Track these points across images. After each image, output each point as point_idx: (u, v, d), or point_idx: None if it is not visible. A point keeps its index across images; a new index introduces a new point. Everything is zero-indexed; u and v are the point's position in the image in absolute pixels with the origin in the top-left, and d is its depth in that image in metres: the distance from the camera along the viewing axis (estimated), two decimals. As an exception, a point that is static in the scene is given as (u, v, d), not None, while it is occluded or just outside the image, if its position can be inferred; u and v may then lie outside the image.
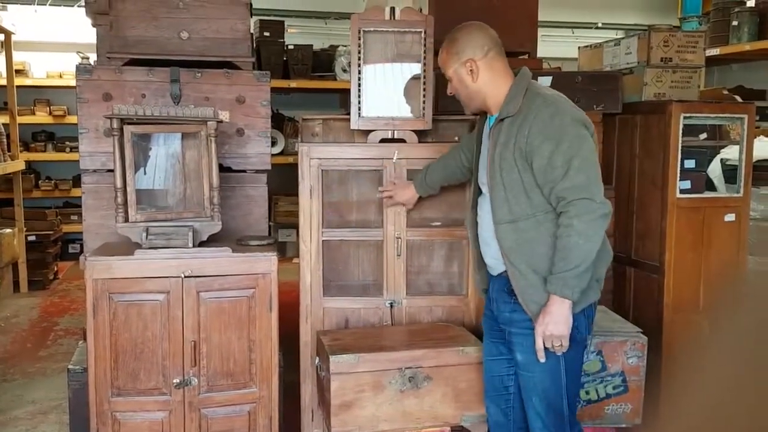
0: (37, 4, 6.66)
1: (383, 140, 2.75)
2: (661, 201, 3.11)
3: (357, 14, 2.70)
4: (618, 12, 8.13)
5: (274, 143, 6.21)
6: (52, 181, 6.85)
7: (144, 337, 2.40)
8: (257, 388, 2.50)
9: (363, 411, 2.38)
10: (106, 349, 2.38)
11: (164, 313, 2.40)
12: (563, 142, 2.04)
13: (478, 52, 2.19)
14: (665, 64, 3.22)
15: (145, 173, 2.53)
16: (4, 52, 5.67)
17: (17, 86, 5.99)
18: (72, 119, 6.50)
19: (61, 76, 6.64)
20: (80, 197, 2.80)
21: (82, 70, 2.72)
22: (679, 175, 3.08)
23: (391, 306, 2.77)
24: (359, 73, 2.70)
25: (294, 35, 6.86)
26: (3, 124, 5.69)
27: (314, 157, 2.69)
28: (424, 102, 2.72)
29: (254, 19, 6.06)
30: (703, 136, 3.34)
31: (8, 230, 5.61)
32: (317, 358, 2.63)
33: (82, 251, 2.79)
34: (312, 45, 6.57)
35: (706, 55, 3.81)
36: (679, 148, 3.06)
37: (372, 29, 2.69)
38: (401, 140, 2.75)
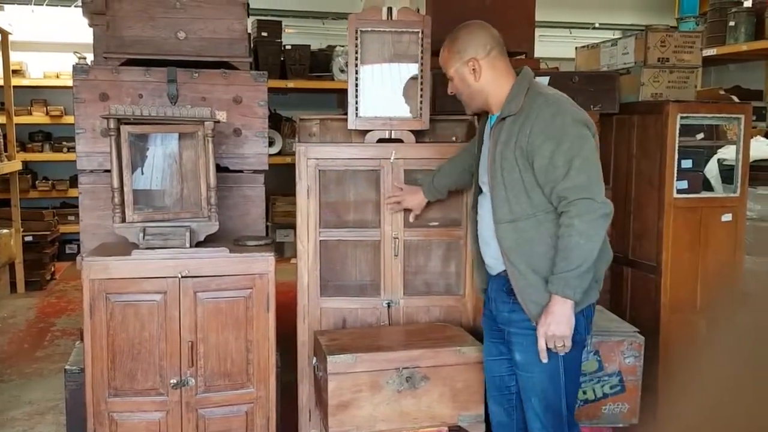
0: (34, 4, 6.65)
1: (380, 140, 2.75)
2: (658, 201, 3.12)
3: (354, 14, 2.70)
4: (615, 12, 8.14)
5: (271, 143, 6.21)
6: (49, 182, 6.84)
7: (141, 337, 2.40)
8: (254, 389, 2.50)
9: (360, 411, 2.38)
10: (103, 350, 2.38)
11: (161, 313, 2.40)
12: (564, 142, 2.04)
13: (481, 51, 2.19)
14: (662, 65, 3.22)
15: (142, 173, 2.53)
16: (0, 52, 5.65)
17: (14, 86, 5.98)
18: (69, 119, 6.49)
19: (58, 76, 6.64)
20: (77, 197, 2.80)
21: (79, 70, 2.72)
22: (676, 175, 3.08)
23: (389, 306, 2.77)
24: (356, 73, 2.70)
25: (291, 35, 6.86)
26: (0, 125, 5.68)
27: (311, 157, 2.69)
28: (421, 102, 2.72)
29: (251, 19, 6.06)
30: (700, 136, 3.34)
31: (5, 231, 5.60)
32: (314, 358, 2.63)
33: (79, 252, 2.79)
34: (309, 45, 6.57)
35: (703, 55, 3.82)
36: (676, 148, 3.07)
37: (369, 29, 2.69)
38: (399, 140, 2.75)
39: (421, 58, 2.70)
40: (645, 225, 3.21)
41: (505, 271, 2.20)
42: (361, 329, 2.75)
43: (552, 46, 6.94)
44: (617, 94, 3.20)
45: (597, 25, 8.05)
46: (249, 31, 2.95)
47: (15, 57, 6.27)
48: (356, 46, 2.68)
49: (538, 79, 2.28)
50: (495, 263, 2.26)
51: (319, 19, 7.26)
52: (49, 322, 4.99)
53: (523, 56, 3.43)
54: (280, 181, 5.06)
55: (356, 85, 2.70)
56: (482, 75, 2.20)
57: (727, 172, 3.32)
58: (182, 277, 2.39)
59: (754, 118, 4.21)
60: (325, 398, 2.39)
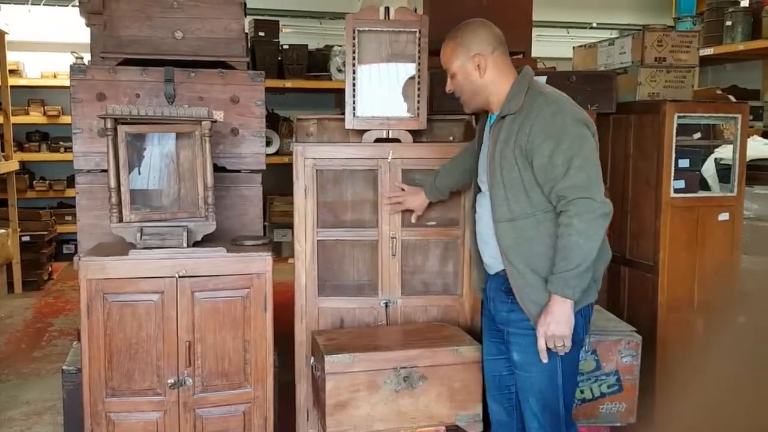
0: (31, 4, 6.64)
1: (378, 140, 2.75)
2: (655, 200, 3.12)
3: (351, 14, 2.70)
4: (613, 12, 8.16)
5: (269, 143, 6.21)
6: (47, 182, 6.83)
7: (138, 337, 2.39)
8: (252, 388, 2.50)
9: (358, 411, 2.38)
10: (100, 350, 2.37)
11: (159, 313, 2.39)
12: (564, 141, 2.04)
13: (486, 47, 2.19)
14: (659, 64, 3.23)
15: (139, 173, 2.53)
16: (-3, 52, 5.65)
17: (11, 86, 5.98)
18: (66, 119, 6.49)
19: (55, 76, 6.63)
20: (74, 197, 2.79)
21: (76, 69, 2.71)
22: (673, 174, 3.09)
23: (386, 306, 2.77)
24: (354, 72, 2.70)
25: (289, 35, 6.86)
26: (-3, 125, 5.68)
27: (309, 157, 2.69)
28: (418, 102, 2.72)
29: (249, 18, 6.06)
30: (697, 135, 3.35)
31: (2, 231, 5.59)
32: (312, 357, 2.63)
33: (76, 252, 2.78)
34: (307, 45, 6.57)
35: (700, 54, 3.82)
36: (673, 147, 3.07)
37: (366, 29, 2.69)
38: (396, 140, 2.75)
39: (419, 57, 2.70)
40: (642, 224, 3.21)
41: (503, 270, 2.20)
42: (358, 329, 2.75)
43: (549, 45, 6.94)
44: (614, 94, 3.21)
45: (594, 25, 8.06)
46: (246, 30, 2.96)
47: (12, 57, 6.26)
48: (353, 46, 2.68)
49: (536, 78, 2.28)
50: (494, 262, 2.26)
51: (316, 18, 7.26)
52: (47, 322, 4.98)
53: (520, 56, 3.43)
54: (278, 180, 5.06)
55: (354, 85, 2.70)
56: (486, 72, 2.19)
57: (724, 172, 3.32)
58: (179, 276, 2.39)
59: (750, 117, 4.22)
60: (323, 398, 2.39)
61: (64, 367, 2.64)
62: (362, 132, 2.75)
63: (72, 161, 2.74)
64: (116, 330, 2.38)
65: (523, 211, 2.11)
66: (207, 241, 2.49)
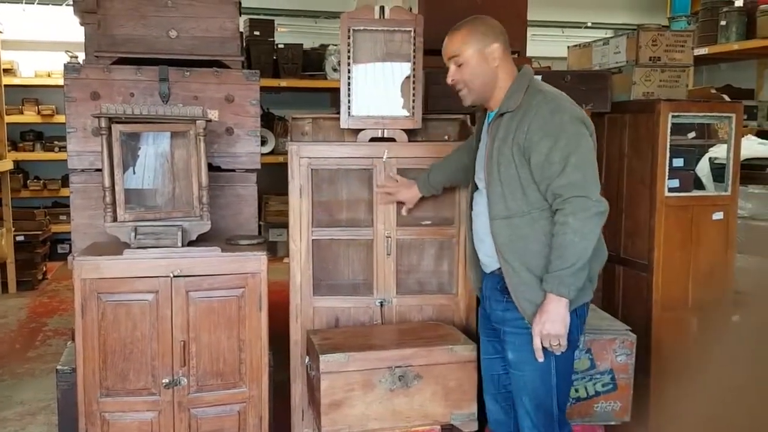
0: (26, 3, 6.62)
1: (373, 139, 2.75)
2: (649, 199, 3.13)
3: (346, 13, 2.70)
4: (607, 11, 8.17)
5: (264, 142, 6.20)
6: (41, 181, 6.81)
7: (133, 337, 2.39)
8: (247, 388, 2.50)
9: (353, 410, 2.38)
10: (94, 350, 2.37)
11: (153, 312, 2.39)
12: (561, 139, 2.04)
13: (501, 40, 2.19)
14: (654, 64, 3.23)
15: (134, 173, 2.52)
16: (-9, 51, 5.64)
17: (5, 85, 5.96)
18: (60, 119, 6.46)
19: (49, 75, 6.60)
20: (69, 197, 2.79)
21: (70, 68, 2.71)
22: (667, 173, 3.09)
23: (381, 305, 2.77)
24: (349, 72, 2.70)
25: (284, 34, 6.85)
26: (-9, 124, 5.66)
27: (304, 156, 2.69)
28: (413, 101, 2.72)
29: (244, 18, 6.05)
30: (692, 135, 3.36)
31: (-4, 230, 5.58)
32: (307, 357, 2.63)
33: (71, 251, 2.78)
34: (302, 44, 6.57)
35: (695, 54, 3.83)
36: (668, 146, 3.08)
37: (361, 28, 2.69)
38: (391, 139, 2.75)
39: (414, 57, 2.70)
40: (637, 223, 3.22)
41: (499, 269, 2.20)
42: (353, 328, 2.75)
43: (544, 45, 6.95)
44: (609, 93, 3.21)
45: (589, 25, 8.07)
46: (241, 30, 2.95)
47: (6, 56, 6.24)
48: (348, 45, 2.68)
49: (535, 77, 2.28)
50: (490, 261, 2.26)
51: (311, 18, 7.26)
52: (41, 322, 4.97)
53: (515, 55, 3.42)
54: (273, 180, 5.06)
55: (349, 84, 2.70)
56: (499, 64, 2.19)
57: (718, 171, 3.33)
58: (174, 276, 2.38)
59: (745, 117, 4.24)
60: (318, 397, 2.39)
61: (59, 367, 2.63)
62: (357, 131, 2.75)
63: (66, 160, 2.73)
64: (111, 330, 2.37)
65: (520, 208, 2.12)
66: (202, 240, 2.49)
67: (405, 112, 2.74)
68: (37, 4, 6.63)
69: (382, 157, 2.71)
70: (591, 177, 2.06)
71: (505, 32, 2.23)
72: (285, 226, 2.77)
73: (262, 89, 2.87)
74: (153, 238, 2.41)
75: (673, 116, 3.08)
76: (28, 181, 6.81)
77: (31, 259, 6.00)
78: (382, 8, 2.70)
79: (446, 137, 2.96)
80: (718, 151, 3.39)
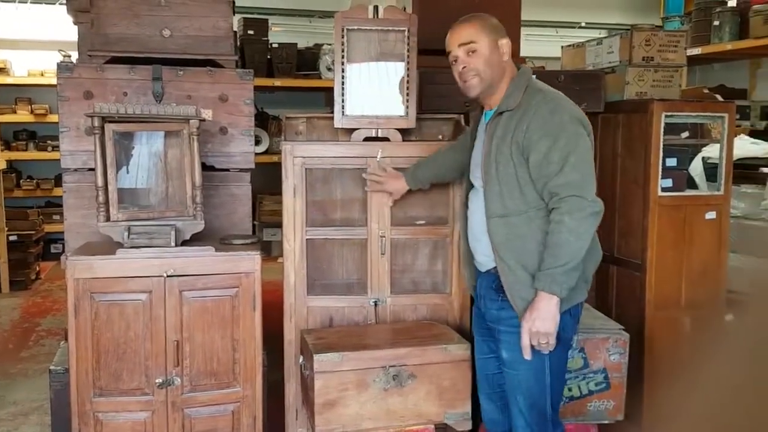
0: (18, 2, 6.60)
1: (367, 139, 2.75)
2: (643, 199, 3.13)
3: (340, 12, 2.70)
4: (601, 11, 8.19)
5: (258, 142, 6.19)
6: (34, 181, 6.79)
7: (126, 337, 2.38)
8: (241, 388, 2.49)
9: (347, 409, 2.38)
10: (87, 350, 2.36)
11: (146, 312, 2.38)
12: (561, 139, 2.05)
13: (508, 38, 2.22)
14: (647, 63, 3.24)
15: (127, 172, 2.52)
16: (-16, 50, 5.61)
17: (-2, 84, 5.94)
18: (54, 118, 6.41)
19: (42, 75, 6.58)
20: (62, 196, 2.78)
21: (63, 68, 2.70)
22: (660, 173, 3.10)
23: (376, 304, 2.77)
24: (343, 71, 2.69)
25: (278, 33, 6.84)
26: (-17, 123, 5.64)
27: (298, 156, 2.69)
28: (407, 100, 2.72)
29: (238, 17, 6.04)
30: (685, 134, 3.37)
31: (-11, 230, 5.55)
32: (301, 356, 2.63)
33: (64, 251, 2.77)
34: (296, 43, 6.56)
35: (688, 54, 3.84)
36: (661, 146, 3.09)
37: (355, 28, 2.69)
38: (385, 139, 2.75)
39: (408, 56, 2.70)
40: (630, 223, 3.23)
41: (494, 268, 2.20)
42: (347, 328, 2.75)
43: (538, 45, 6.97)
44: (602, 93, 3.22)
45: (583, 25, 8.09)
46: (235, 29, 2.95)
47: (-1, 55, 6.22)
48: (342, 45, 2.68)
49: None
50: (485, 260, 2.26)
51: (306, 17, 7.25)
52: (34, 322, 4.95)
53: (509, 55, 3.43)
54: (267, 179, 5.05)
55: (343, 84, 2.70)
56: (507, 58, 2.21)
57: (711, 171, 3.35)
58: (168, 276, 2.38)
59: (738, 116, 4.25)
60: (312, 397, 2.39)
61: (52, 367, 2.62)
62: (351, 131, 2.75)
63: (59, 160, 2.72)
64: (104, 330, 2.36)
65: (517, 207, 2.12)
66: (195, 240, 2.48)
67: (399, 112, 2.74)
68: (30, 3, 6.61)
69: (376, 157, 2.71)
70: (588, 177, 2.07)
71: None
72: (279, 225, 2.76)
73: (256, 89, 2.87)
74: (146, 237, 2.40)
75: (666, 116, 3.09)
76: (21, 181, 6.79)
77: (24, 258, 5.98)
78: (376, 8, 2.70)
79: (440, 137, 2.96)
80: (711, 151, 3.40)
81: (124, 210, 2.42)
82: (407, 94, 2.72)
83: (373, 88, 2.74)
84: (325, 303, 2.77)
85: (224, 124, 2.79)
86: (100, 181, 2.37)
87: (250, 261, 2.46)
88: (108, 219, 2.39)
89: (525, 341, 2.09)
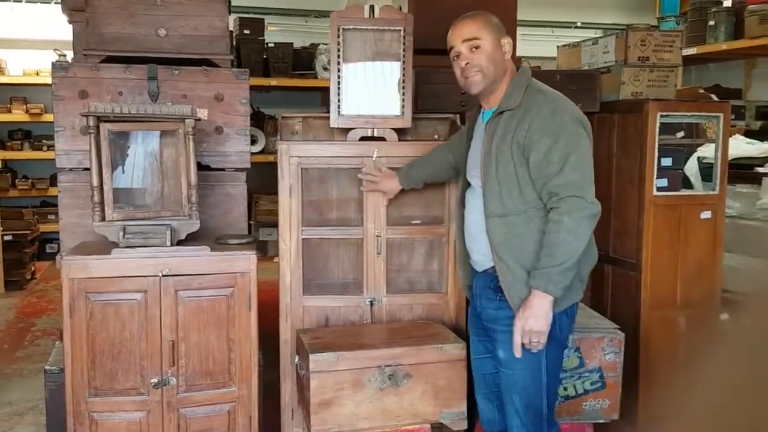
0: (14, 1, 6.58)
1: (363, 138, 2.75)
2: (638, 199, 3.14)
3: (336, 12, 2.70)
4: (597, 11, 8.20)
5: (254, 142, 6.19)
6: (29, 180, 6.77)
7: (121, 336, 2.38)
8: (236, 388, 2.49)
9: (343, 409, 2.38)
10: (83, 350, 2.36)
11: (142, 312, 2.38)
12: (562, 139, 2.05)
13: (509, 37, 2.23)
14: (642, 63, 3.25)
15: (122, 172, 2.51)
16: (-21, 49, 5.59)
17: (-7, 84, 5.92)
18: (49, 117, 6.39)
19: (38, 74, 6.57)
20: (57, 196, 2.77)
21: (58, 67, 2.69)
22: (656, 173, 3.11)
23: (371, 304, 2.77)
24: (339, 71, 2.69)
25: (274, 33, 6.84)
26: (-22, 122, 5.62)
27: (294, 156, 2.68)
28: (403, 100, 2.72)
29: (234, 16, 6.04)
30: (681, 134, 3.37)
31: (-16, 230, 5.54)
32: (297, 356, 2.63)
33: (59, 251, 2.76)
34: (292, 43, 6.56)
35: (684, 54, 3.85)
36: (656, 146, 3.09)
37: (351, 27, 2.69)
38: (381, 138, 2.75)
39: (404, 56, 2.70)
40: (625, 223, 3.23)
41: (492, 267, 2.20)
42: (343, 327, 2.75)
43: (534, 45, 6.96)
44: (598, 93, 3.22)
45: (579, 24, 8.10)
46: (231, 28, 2.95)
47: (-6, 54, 6.20)
48: (338, 44, 2.68)
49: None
50: (482, 259, 2.26)
51: (302, 16, 7.24)
52: (29, 322, 4.94)
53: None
54: (263, 179, 5.05)
55: (338, 83, 2.70)
56: (509, 57, 2.21)
57: (706, 170, 3.35)
58: (163, 275, 2.38)
59: (733, 116, 4.26)
60: (308, 396, 2.39)
61: (47, 367, 2.62)
62: (347, 130, 2.75)
63: (55, 159, 2.71)
64: (99, 329, 2.36)
65: (516, 207, 2.12)
66: (191, 239, 2.48)
67: (395, 112, 2.74)
68: (26, 2, 6.59)
69: (372, 157, 2.71)
70: (588, 178, 2.07)
71: None
72: (275, 225, 2.76)
73: (253, 88, 2.87)
74: (141, 237, 2.40)
75: (661, 116, 3.10)
76: (16, 181, 6.77)
77: (19, 258, 5.96)
78: (371, 7, 2.70)
79: (436, 136, 2.96)
80: (707, 151, 3.40)
81: (119, 210, 2.41)
82: (403, 94, 2.72)
83: (369, 88, 2.74)
84: (321, 303, 2.77)
85: (220, 124, 2.79)
86: (95, 181, 2.36)
87: (246, 261, 2.46)
88: (103, 219, 2.39)
89: (517, 339, 2.10)
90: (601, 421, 2.80)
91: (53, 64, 2.71)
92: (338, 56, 2.68)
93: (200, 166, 2.60)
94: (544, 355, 2.15)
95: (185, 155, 2.43)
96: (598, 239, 3.26)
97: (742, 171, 4.04)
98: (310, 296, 2.76)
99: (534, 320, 2.06)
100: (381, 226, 2.75)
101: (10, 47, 6.63)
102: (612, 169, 3.30)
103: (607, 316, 3.09)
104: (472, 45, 2.17)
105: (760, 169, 4.01)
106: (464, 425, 2.50)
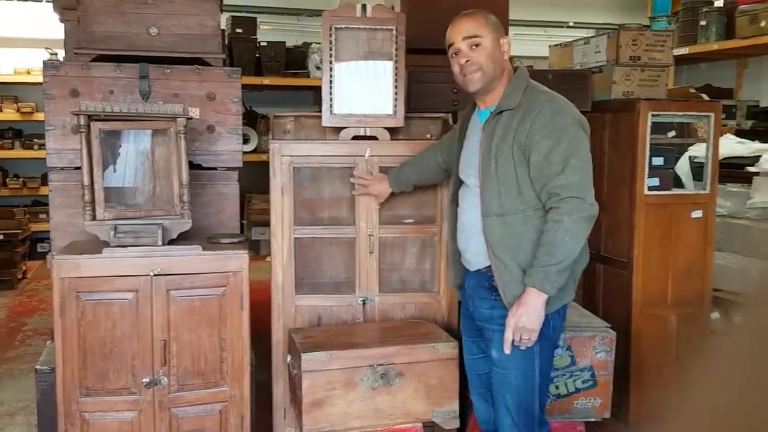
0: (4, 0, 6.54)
1: (355, 137, 2.75)
2: (629, 198, 3.15)
3: (328, 11, 2.69)
4: (589, 11, 8.22)
5: (246, 141, 6.17)
6: (21, 179, 6.74)
7: (113, 336, 2.37)
8: (228, 387, 2.49)
9: (335, 408, 2.38)
10: (74, 349, 2.35)
11: (133, 312, 2.37)
12: (563, 141, 2.06)
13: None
14: (634, 63, 3.26)
15: (114, 171, 2.50)
16: (-31, 48, 5.56)
17: (-16, 82, 5.89)
18: (40, 116, 6.38)
19: (29, 73, 6.53)
20: (48, 195, 2.76)
21: (48, 65, 2.68)
22: (647, 172, 3.12)
23: (364, 303, 2.77)
24: (331, 70, 2.69)
25: (266, 32, 6.82)
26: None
27: (286, 155, 2.68)
28: (396, 99, 2.72)
29: (226, 15, 6.02)
30: (672, 133, 3.39)
31: (-25, 229, 5.51)
32: (289, 356, 2.62)
33: (50, 250, 2.75)
34: (285, 42, 6.54)
35: (675, 54, 3.87)
36: (648, 145, 3.11)
37: (343, 26, 2.69)
38: (373, 137, 2.75)
39: (396, 55, 2.70)
40: (617, 222, 3.24)
41: (486, 267, 2.20)
42: (335, 326, 2.75)
43: (527, 44, 6.98)
44: (590, 93, 3.23)
45: (571, 24, 8.12)
46: (223, 27, 2.94)
47: (-16, 52, 6.17)
48: (330, 43, 2.67)
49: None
50: (477, 259, 2.25)
51: (294, 15, 7.23)
52: (21, 321, 4.91)
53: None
54: (256, 178, 5.04)
55: (331, 83, 2.69)
56: (507, 57, 2.21)
57: (698, 170, 3.37)
58: (154, 275, 2.37)
59: (724, 116, 4.28)
60: (300, 396, 2.39)
61: (38, 367, 2.60)
62: (339, 129, 2.75)
63: (46, 158, 2.70)
64: (90, 329, 2.35)
65: (514, 207, 2.12)
66: (183, 239, 2.47)
67: (387, 111, 2.74)
68: (17, 0, 6.56)
69: (365, 156, 2.71)
70: (587, 180, 2.08)
71: None
72: (268, 224, 2.76)
73: (245, 87, 2.86)
74: (133, 236, 2.39)
75: (652, 115, 3.11)
76: (7, 180, 6.73)
77: (10, 258, 5.93)
78: (364, 6, 2.69)
79: (428, 136, 2.96)
80: (698, 150, 3.42)
81: (110, 209, 2.40)
82: (395, 93, 2.72)
83: (361, 87, 2.74)
84: (313, 302, 2.77)
85: (212, 123, 2.78)
86: (86, 180, 2.35)
87: (238, 260, 2.45)
88: (94, 218, 2.38)
89: (508, 335, 2.10)
90: (593, 419, 2.81)
91: (44, 63, 2.70)
92: (330, 55, 2.68)
93: (192, 165, 2.60)
94: (538, 355, 2.15)
95: (177, 154, 2.42)
96: (590, 238, 3.27)
97: (732, 170, 4.06)
98: (302, 295, 2.76)
99: (527, 318, 2.06)
100: (373, 225, 2.76)
101: (1, 45, 6.59)
102: (603, 169, 3.31)
103: (598, 314, 3.10)
104: (473, 43, 2.17)
105: (751, 169, 4.03)
106: (456, 424, 2.51)
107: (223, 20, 3.25)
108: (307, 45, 6.64)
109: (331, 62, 2.69)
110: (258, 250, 6.21)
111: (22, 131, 6.84)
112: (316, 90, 5.54)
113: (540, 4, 7.66)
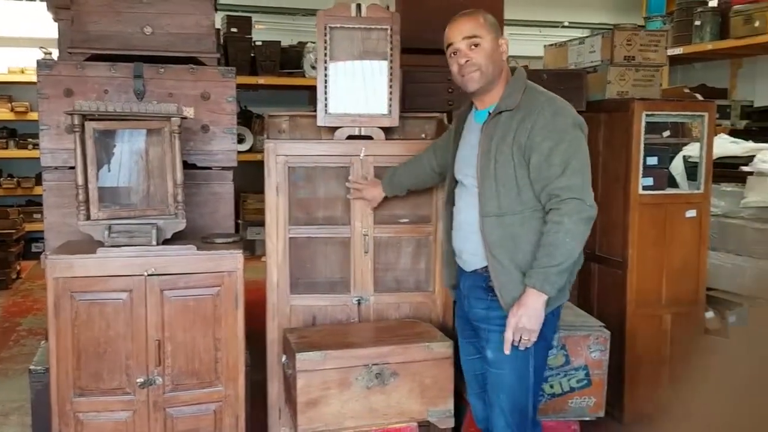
0: (-2, -2, 6.52)
1: (350, 137, 2.75)
2: (624, 197, 3.16)
3: (323, 11, 2.69)
4: (584, 11, 8.24)
5: (241, 140, 6.17)
6: (15, 179, 6.72)
7: (107, 336, 2.37)
8: (223, 387, 2.48)
9: (329, 408, 2.38)
10: (68, 349, 2.34)
11: (127, 312, 2.37)
12: (563, 142, 2.06)
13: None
14: (628, 63, 3.27)
15: (108, 170, 2.50)
16: (-37, 47, 5.54)
17: (-23, 82, 5.87)
18: (34, 116, 6.33)
19: (23, 72, 6.51)
20: (42, 195, 2.75)
21: (42, 65, 2.67)
22: (641, 171, 3.13)
23: (359, 303, 2.77)
24: (326, 69, 2.69)
25: (262, 31, 6.82)
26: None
27: (281, 154, 2.68)
28: (390, 99, 2.72)
29: (221, 15, 6.02)
30: (666, 133, 3.40)
31: (-32, 229, 5.49)
32: (284, 355, 2.62)
33: (45, 250, 2.74)
34: (280, 41, 6.54)
35: (670, 54, 3.88)
36: (642, 145, 3.11)
37: (338, 26, 2.69)
38: (368, 137, 2.75)
39: (391, 55, 2.70)
40: (611, 221, 3.25)
41: (483, 267, 2.19)
42: (330, 326, 2.75)
43: (522, 44, 6.97)
44: (584, 92, 3.24)
45: (566, 24, 8.13)
46: (218, 27, 2.94)
47: (-22, 52, 6.15)
48: (325, 43, 2.67)
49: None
50: (473, 259, 2.25)
51: (289, 15, 7.23)
52: (15, 321, 4.90)
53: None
54: (251, 178, 5.02)
55: (325, 82, 2.69)
56: (505, 57, 2.22)
57: (692, 169, 3.38)
58: (149, 275, 2.36)
59: (718, 116, 4.29)
60: (294, 396, 2.39)
61: (32, 367, 2.60)
62: (334, 129, 2.75)
63: (40, 158, 2.69)
64: (84, 329, 2.35)
65: (512, 207, 2.12)
66: (177, 239, 2.47)
67: (382, 110, 2.74)
68: (11, -1, 6.54)
69: (359, 155, 2.71)
70: (587, 182, 2.09)
71: None
72: (263, 224, 2.76)
73: (240, 87, 2.86)
74: (127, 236, 2.39)
75: (647, 115, 3.12)
76: (1, 179, 6.72)
77: (5, 258, 5.91)
78: (358, 6, 2.70)
79: (423, 135, 2.96)
80: (692, 150, 3.43)
81: (104, 208, 2.40)
82: (390, 93, 2.72)
83: (356, 87, 2.74)
84: (308, 302, 2.77)
85: (206, 122, 2.78)
86: (80, 180, 2.35)
87: (232, 260, 2.45)
88: (88, 218, 2.37)
89: (508, 335, 2.10)
90: (587, 418, 2.81)
91: (38, 62, 2.69)
92: (325, 55, 2.68)
93: (186, 165, 2.59)
94: (533, 356, 2.16)
95: (171, 154, 2.42)
96: (585, 238, 3.26)
97: (727, 170, 4.06)
98: (297, 295, 2.76)
99: (527, 318, 2.06)
100: (368, 224, 2.76)
101: (-5, 45, 6.58)
102: (598, 168, 3.31)
103: (593, 314, 3.10)
104: (472, 42, 2.17)
105: (745, 168, 4.04)
106: (451, 423, 2.51)
107: (218, 19, 3.25)
108: (302, 44, 6.64)
109: (325, 62, 2.68)
110: (253, 250, 6.20)
111: (16, 131, 6.82)
112: (311, 89, 5.54)
113: (535, 3, 7.67)
